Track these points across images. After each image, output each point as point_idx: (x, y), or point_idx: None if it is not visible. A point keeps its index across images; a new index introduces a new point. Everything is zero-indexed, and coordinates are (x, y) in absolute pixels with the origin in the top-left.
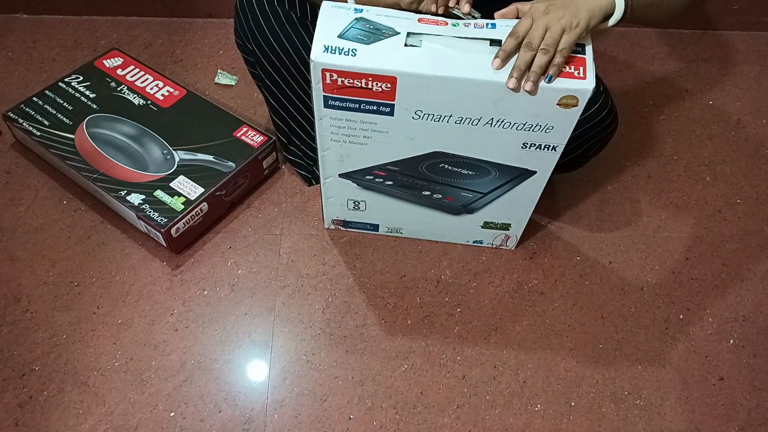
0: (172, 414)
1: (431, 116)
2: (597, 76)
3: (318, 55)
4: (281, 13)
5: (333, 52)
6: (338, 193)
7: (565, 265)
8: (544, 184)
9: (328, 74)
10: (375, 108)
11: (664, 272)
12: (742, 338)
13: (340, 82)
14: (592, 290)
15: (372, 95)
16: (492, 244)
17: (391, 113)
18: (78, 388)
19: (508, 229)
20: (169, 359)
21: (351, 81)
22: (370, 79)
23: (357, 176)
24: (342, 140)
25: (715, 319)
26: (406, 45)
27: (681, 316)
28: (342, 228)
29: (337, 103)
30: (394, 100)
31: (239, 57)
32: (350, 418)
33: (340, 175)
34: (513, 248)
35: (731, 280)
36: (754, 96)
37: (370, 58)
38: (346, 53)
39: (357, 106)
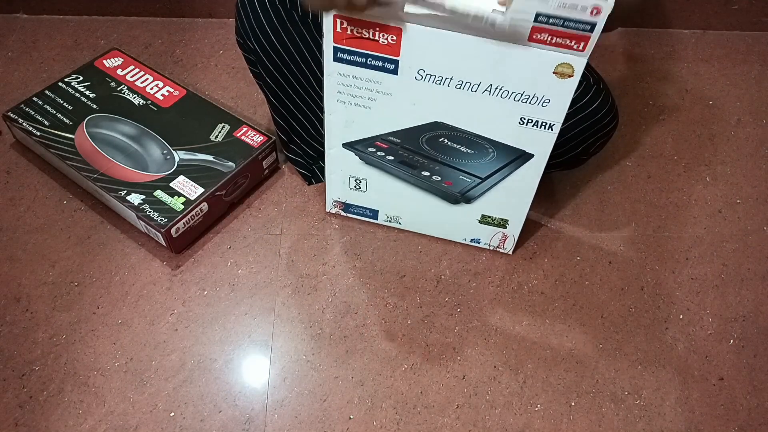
0: (172, 414)
1: (433, 78)
2: (597, 74)
3: None
4: (282, 11)
5: None
6: (341, 168)
7: (565, 265)
8: (542, 171)
9: (338, 21)
10: (380, 65)
11: (664, 272)
12: (742, 338)
13: (349, 31)
14: (592, 290)
15: (378, 48)
16: (489, 245)
17: (395, 71)
18: (78, 388)
19: (506, 227)
20: (169, 359)
21: (359, 30)
22: (377, 29)
23: (360, 147)
24: (348, 101)
25: (715, 319)
26: None
27: (681, 316)
28: (342, 212)
29: (345, 56)
30: (398, 55)
31: (239, 57)
32: (350, 418)
33: (344, 145)
34: (510, 252)
35: (731, 280)
36: (754, 96)
37: None
38: None
39: (364, 60)
